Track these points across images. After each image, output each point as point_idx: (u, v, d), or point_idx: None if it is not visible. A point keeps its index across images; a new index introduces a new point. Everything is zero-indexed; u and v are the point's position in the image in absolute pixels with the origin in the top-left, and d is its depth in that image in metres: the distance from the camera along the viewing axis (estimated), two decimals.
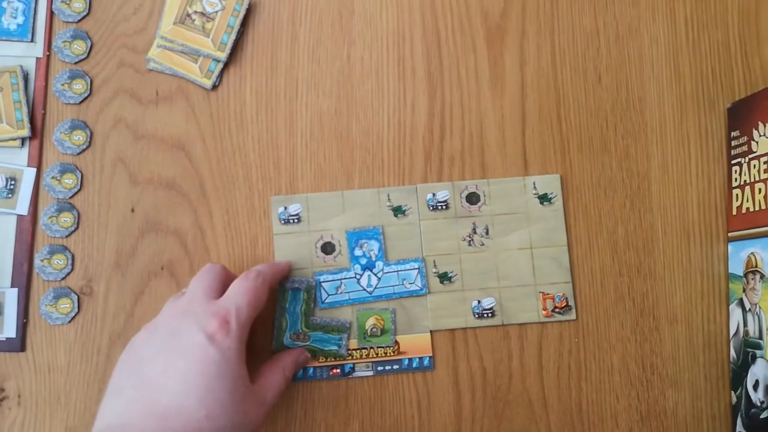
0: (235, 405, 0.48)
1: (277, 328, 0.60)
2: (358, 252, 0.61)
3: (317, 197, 0.61)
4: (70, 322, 0.59)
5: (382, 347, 0.60)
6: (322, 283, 0.60)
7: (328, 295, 0.60)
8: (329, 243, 0.61)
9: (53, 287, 0.60)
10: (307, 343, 0.60)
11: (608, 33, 0.64)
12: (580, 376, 0.61)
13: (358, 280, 0.61)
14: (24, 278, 0.59)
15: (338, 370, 0.60)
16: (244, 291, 0.52)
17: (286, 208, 0.61)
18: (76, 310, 0.59)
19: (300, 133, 0.62)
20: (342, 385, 0.60)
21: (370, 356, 0.60)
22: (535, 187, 0.62)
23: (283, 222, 0.61)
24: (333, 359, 0.60)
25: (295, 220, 0.61)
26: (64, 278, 0.60)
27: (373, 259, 0.61)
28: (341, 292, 0.60)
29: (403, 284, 0.60)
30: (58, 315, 0.59)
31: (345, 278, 0.61)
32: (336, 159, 0.62)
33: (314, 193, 0.62)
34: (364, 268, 0.61)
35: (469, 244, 0.61)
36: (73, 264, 0.60)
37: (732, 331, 0.61)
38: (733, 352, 0.60)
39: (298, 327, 0.60)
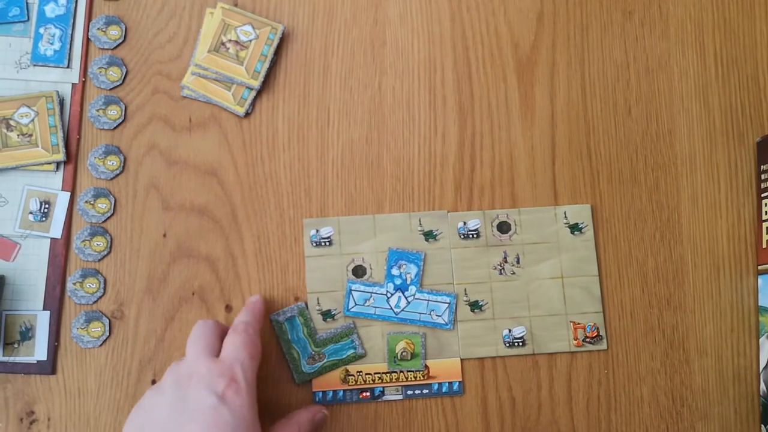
0: None
1: (291, 361, 0.60)
2: (395, 271, 0.61)
3: (349, 220, 0.62)
4: (101, 345, 0.59)
5: (412, 371, 0.60)
6: (353, 291, 0.61)
7: (356, 304, 0.60)
8: (360, 266, 0.61)
9: (85, 311, 0.60)
10: (324, 361, 0.60)
11: (638, 66, 0.65)
12: (609, 408, 0.60)
13: (388, 298, 0.61)
14: (56, 301, 0.60)
15: (368, 394, 0.60)
16: (242, 345, 0.52)
17: (317, 231, 0.61)
18: (108, 333, 0.60)
19: (331, 161, 0.63)
20: (371, 412, 0.60)
21: (400, 380, 0.60)
22: (566, 217, 0.62)
23: (314, 245, 0.61)
24: (363, 382, 0.60)
25: (327, 243, 0.61)
26: (95, 302, 0.60)
27: (408, 282, 0.61)
28: (368, 305, 0.61)
29: (430, 314, 0.60)
30: (90, 338, 0.59)
31: (376, 293, 0.61)
32: (367, 187, 0.63)
33: (346, 216, 0.62)
34: (397, 288, 0.61)
35: (500, 273, 0.61)
36: (105, 288, 0.60)
37: (762, 365, 0.60)
38: (763, 386, 0.60)
39: (310, 351, 0.60)
